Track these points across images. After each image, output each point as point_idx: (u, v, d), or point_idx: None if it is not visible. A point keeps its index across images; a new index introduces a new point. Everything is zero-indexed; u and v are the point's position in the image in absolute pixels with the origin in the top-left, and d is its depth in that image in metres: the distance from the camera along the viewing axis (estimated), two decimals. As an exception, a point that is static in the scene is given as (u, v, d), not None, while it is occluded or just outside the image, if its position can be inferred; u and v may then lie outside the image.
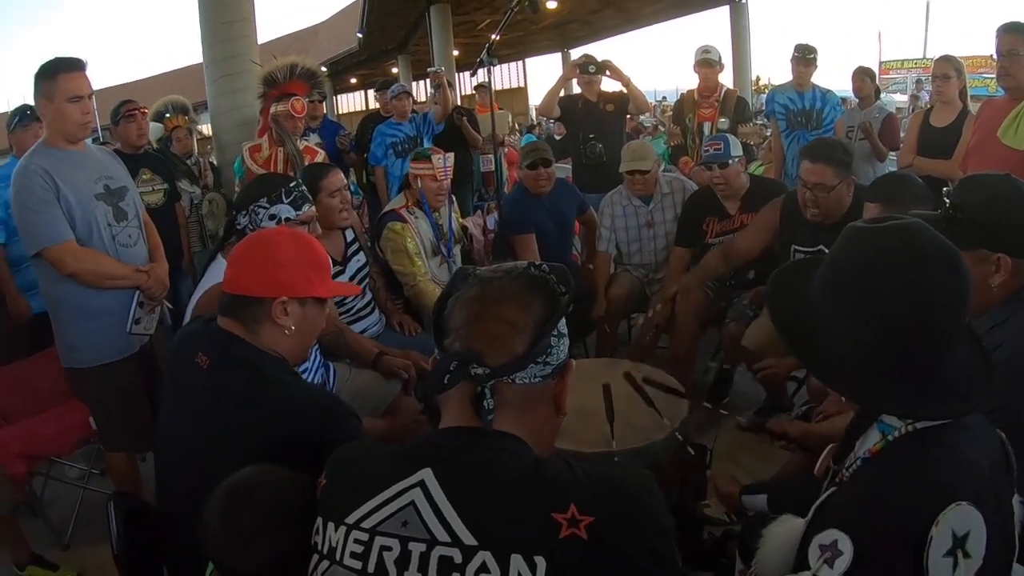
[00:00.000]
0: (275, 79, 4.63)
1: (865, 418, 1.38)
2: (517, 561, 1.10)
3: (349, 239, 3.64)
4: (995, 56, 3.71)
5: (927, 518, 1.13)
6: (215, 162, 6.42)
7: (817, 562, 1.17)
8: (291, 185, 2.76)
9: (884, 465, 1.27)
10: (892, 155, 5.82)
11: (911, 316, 1.24)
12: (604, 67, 5.61)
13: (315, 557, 1.26)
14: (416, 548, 1.14)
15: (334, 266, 3.34)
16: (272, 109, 4.50)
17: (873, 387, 1.29)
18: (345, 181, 3.63)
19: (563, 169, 6.63)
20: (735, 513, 2.21)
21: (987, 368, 1.36)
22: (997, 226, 1.83)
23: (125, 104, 4.63)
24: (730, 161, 4.07)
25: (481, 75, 4.79)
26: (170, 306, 3.37)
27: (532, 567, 1.09)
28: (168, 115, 6.00)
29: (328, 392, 2.15)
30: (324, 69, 29.89)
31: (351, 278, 3.58)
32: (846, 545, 1.15)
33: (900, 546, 1.14)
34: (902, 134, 5.88)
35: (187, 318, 2.56)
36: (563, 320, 1.30)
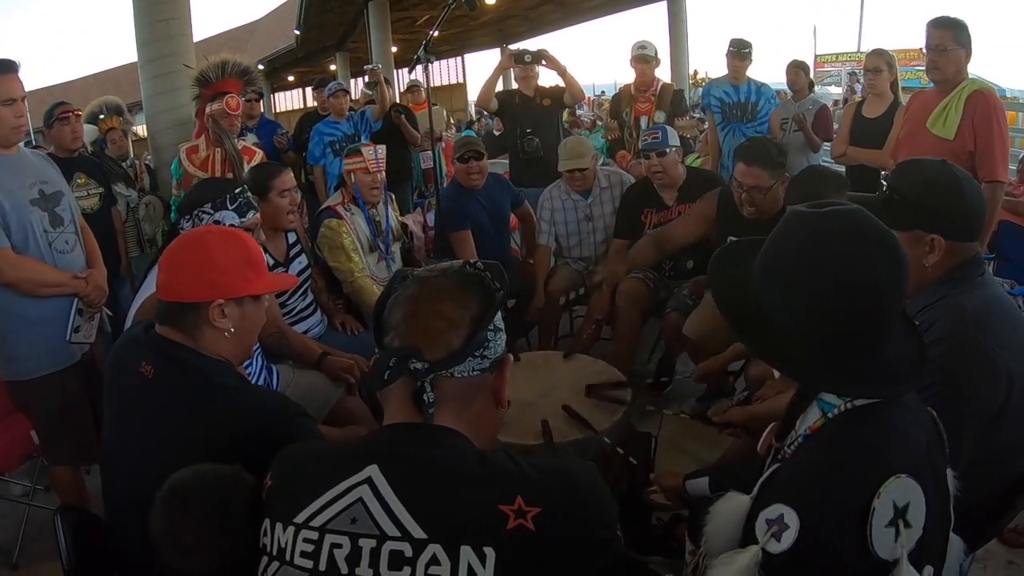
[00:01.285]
0: (207, 78, 4.56)
1: (804, 397, 1.42)
2: (467, 552, 1.12)
3: (291, 241, 3.63)
4: (925, 50, 3.82)
5: (869, 490, 1.18)
6: (151, 164, 6.30)
7: (765, 536, 1.21)
8: (236, 191, 2.73)
9: (825, 441, 1.31)
10: (826, 145, 5.95)
11: (850, 299, 1.28)
12: (540, 56, 5.63)
13: (264, 559, 1.26)
14: (366, 544, 1.16)
15: (276, 268, 3.33)
16: (207, 109, 4.44)
17: (813, 367, 1.33)
18: (295, 182, 3.61)
19: (503, 165, 6.64)
20: (682, 503, 2.25)
21: (921, 349, 1.41)
22: (932, 208, 1.92)
23: (59, 106, 4.50)
24: (668, 150, 4.14)
25: (418, 72, 4.77)
26: (109, 313, 3.30)
27: (482, 558, 1.12)
28: (102, 116, 5.87)
29: (277, 394, 2.11)
30: (261, 67, 29.50)
31: (294, 279, 3.55)
32: (792, 518, 1.19)
33: (844, 517, 1.18)
34: (835, 125, 6.01)
35: (128, 325, 2.52)
36: (499, 315, 1.33)
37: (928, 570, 1.27)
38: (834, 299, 1.29)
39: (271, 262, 3.39)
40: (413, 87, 8.90)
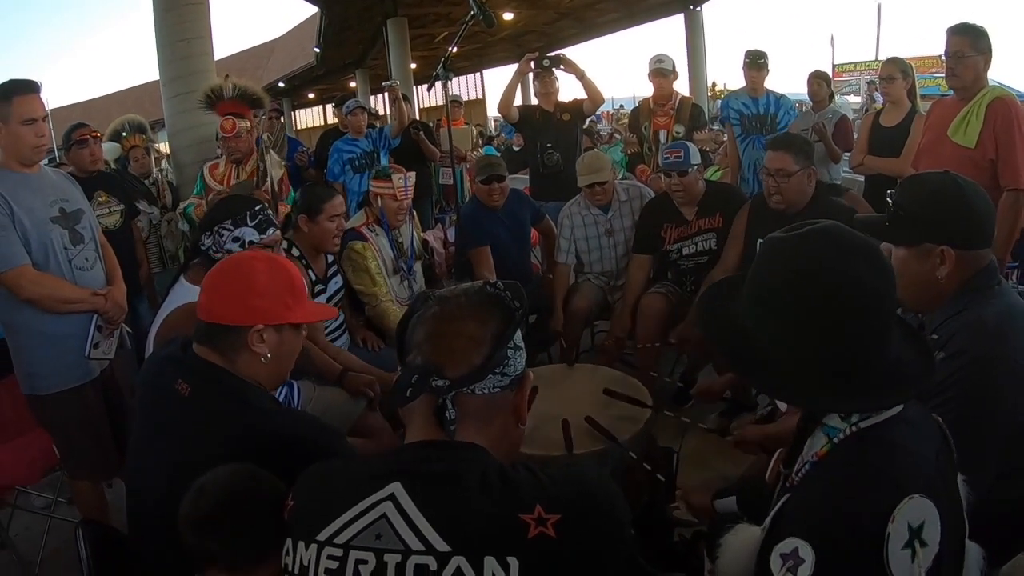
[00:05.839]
0: (211, 100, 4.67)
1: (809, 420, 1.40)
2: (491, 563, 1.13)
3: (329, 260, 3.69)
4: (944, 57, 3.79)
5: (882, 516, 1.16)
6: (173, 181, 6.35)
7: (780, 571, 1.19)
8: (256, 208, 2.76)
9: (832, 468, 1.29)
10: (846, 156, 5.91)
11: (838, 313, 1.28)
12: (558, 61, 5.64)
13: None
14: (391, 559, 1.16)
15: (316, 285, 3.39)
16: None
17: (807, 389, 1.33)
18: (344, 208, 3.64)
19: (523, 180, 6.64)
20: (710, 521, 2.22)
21: (925, 353, 1.39)
22: (937, 219, 1.90)
23: (76, 129, 4.54)
24: (689, 169, 4.12)
25: (449, 88, 4.78)
26: (129, 329, 3.33)
27: (505, 568, 1.13)
28: (125, 134, 5.94)
29: (313, 418, 2.08)
30: (281, 84, 29.77)
31: (330, 298, 3.63)
32: (807, 552, 1.17)
33: (859, 546, 1.16)
34: (855, 135, 5.98)
35: (149, 342, 2.53)
36: (519, 333, 1.35)
37: None
38: (822, 315, 1.28)
39: (313, 278, 3.48)
40: (455, 102, 9.01)
